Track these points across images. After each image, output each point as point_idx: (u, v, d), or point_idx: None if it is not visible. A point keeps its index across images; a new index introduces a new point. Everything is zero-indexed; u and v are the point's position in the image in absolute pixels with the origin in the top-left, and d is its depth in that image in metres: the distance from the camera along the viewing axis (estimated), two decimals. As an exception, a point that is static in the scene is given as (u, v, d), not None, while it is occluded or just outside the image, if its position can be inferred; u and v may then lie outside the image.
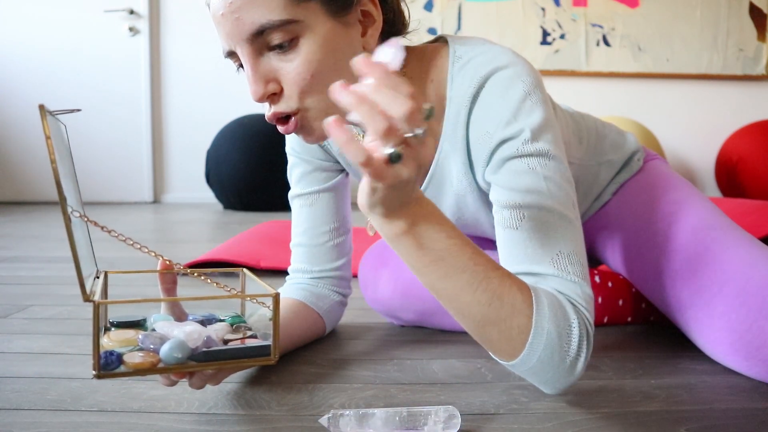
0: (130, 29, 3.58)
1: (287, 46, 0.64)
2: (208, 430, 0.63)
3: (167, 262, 0.62)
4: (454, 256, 0.58)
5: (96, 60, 3.59)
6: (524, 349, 0.61)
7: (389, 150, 0.48)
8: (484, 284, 0.59)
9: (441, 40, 0.79)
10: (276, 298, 0.55)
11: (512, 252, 0.67)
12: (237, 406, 0.68)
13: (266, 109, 0.68)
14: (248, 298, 0.58)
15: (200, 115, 3.65)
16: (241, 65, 0.68)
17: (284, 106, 0.67)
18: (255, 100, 0.66)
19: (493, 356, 0.67)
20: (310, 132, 0.69)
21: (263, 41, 0.63)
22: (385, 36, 0.73)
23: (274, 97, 0.66)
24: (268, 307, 0.58)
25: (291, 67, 0.64)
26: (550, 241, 0.66)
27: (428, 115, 0.48)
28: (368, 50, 0.69)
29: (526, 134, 0.67)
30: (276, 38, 0.63)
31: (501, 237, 0.69)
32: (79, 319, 1.07)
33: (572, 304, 0.63)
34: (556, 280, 0.65)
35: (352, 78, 0.68)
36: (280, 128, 0.69)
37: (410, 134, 0.48)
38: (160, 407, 0.68)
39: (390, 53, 0.49)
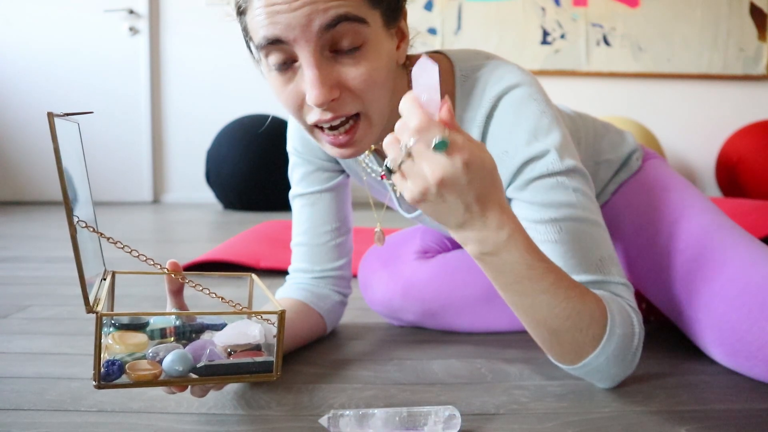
0: (130, 29, 3.58)
1: (354, 51, 0.62)
2: (208, 430, 0.63)
3: (174, 263, 0.62)
4: (534, 281, 0.60)
5: (96, 60, 3.58)
6: (593, 353, 0.65)
7: (387, 163, 0.54)
8: (564, 303, 0.61)
9: (438, 54, 0.80)
10: (281, 315, 0.55)
11: (556, 264, 0.68)
12: (237, 406, 0.68)
13: (314, 115, 0.66)
14: (254, 315, 0.58)
15: (200, 115, 3.65)
16: (283, 62, 0.63)
17: (345, 110, 0.65)
18: (317, 105, 0.62)
19: (552, 360, 0.69)
20: (357, 143, 0.68)
21: (330, 38, 0.61)
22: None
23: (332, 102, 0.64)
24: (273, 323, 0.57)
25: (357, 73, 0.63)
26: (591, 249, 0.69)
27: (437, 146, 0.51)
28: (399, 64, 0.71)
29: (553, 155, 0.69)
30: (347, 39, 0.61)
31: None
32: (79, 319, 1.07)
33: (628, 304, 0.68)
34: (605, 284, 0.69)
35: (392, 89, 0.68)
36: (333, 138, 0.67)
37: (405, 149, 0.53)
38: (160, 407, 0.68)
39: (432, 69, 0.52)
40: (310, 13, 0.59)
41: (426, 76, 0.52)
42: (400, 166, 0.54)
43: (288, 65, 0.64)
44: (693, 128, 3.75)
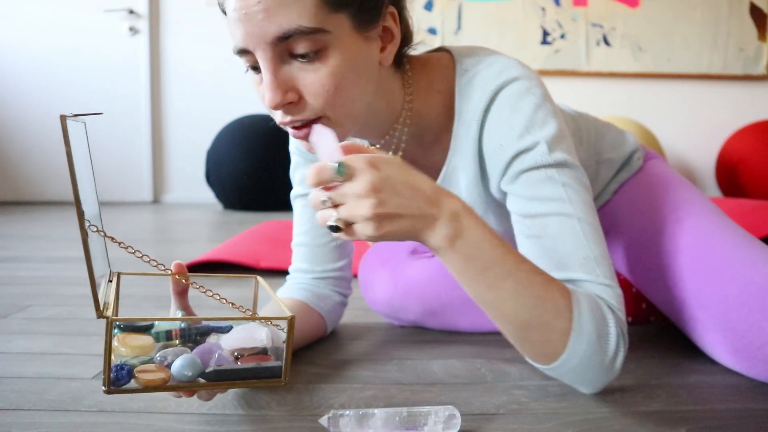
0: (130, 29, 3.58)
1: (313, 56, 0.62)
2: (208, 430, 0.63)
3: (179, 264, 0.62)
4: (498, 263, 0.60)
5: (96, 60, 3.59)
6: (564, 351, 0.63)
7: (329, 223, 0.55)
8: (528, 290, 0.60)
9: (442, 50, 0.79)
10: (291, 321, 0.55)
11: (540, 260, 0.68)
12: (237, 406, 0.68)
13: (277, 116, 0.67)
14: (263, 321, 0.57)
15: (200, 115, 3.65)
16: (253, 67, 0.66)
17: (305, 114, 0.65)
18: (270, 108, 0.64)
19: (530, 361, 0.68)
20: None
21: (287, 47, 0.62)
22: (397, 52, 0.72)
23: (290, 105, 0.65)
24: (282, 329, 0.57)
25: (315, 78, 0.63)
26: (576, 246, 0.67)
27: (339, 171, 0.53)
28: (384, 65, 0.70)
29: (543, 147, 0.68)
30: (302, 46, 0.61)
31: (525, 246, 0.70)
32: (79, 319, 1.07)
33: (607, 305, 0.66)
34: (587, 284, 0.67)
35: (369, 92, 0.68)
36: (295, 133, 0.68)
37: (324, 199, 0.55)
38: (160, 407, 0.68)
39: (326, 133, 0.56)
40: (264, 24, 0.60)
41: (323, 138, 0.55)
42: (341, 219, 0.54)
43: (258, 68, 0.65)
44: (693, 128, 3.75)
